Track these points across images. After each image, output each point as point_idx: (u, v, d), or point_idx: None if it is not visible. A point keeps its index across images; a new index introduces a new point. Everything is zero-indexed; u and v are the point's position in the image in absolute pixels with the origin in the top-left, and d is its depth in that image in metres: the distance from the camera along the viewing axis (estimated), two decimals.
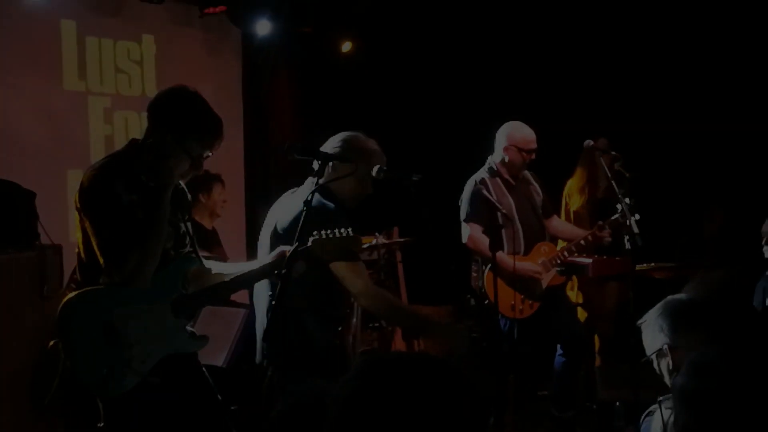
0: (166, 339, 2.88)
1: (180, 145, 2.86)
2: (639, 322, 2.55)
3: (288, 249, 2.90)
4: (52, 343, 2.90)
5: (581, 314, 5.70)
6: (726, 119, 6.37)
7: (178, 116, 2.88)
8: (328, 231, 2.93)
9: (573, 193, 5.83)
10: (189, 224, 3.07)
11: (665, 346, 2.42)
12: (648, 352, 2.49)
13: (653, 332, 2.47)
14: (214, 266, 3.14)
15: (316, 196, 3.10)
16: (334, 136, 3.47)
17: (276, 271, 2.90)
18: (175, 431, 2.98)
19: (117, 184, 2.82)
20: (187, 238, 3.03)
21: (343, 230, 2.96)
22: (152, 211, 2.82)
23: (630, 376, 4.12)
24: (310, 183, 3.38)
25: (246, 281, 3.08)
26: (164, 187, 2.84)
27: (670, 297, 2.56)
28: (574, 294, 5.73)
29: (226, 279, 3.06)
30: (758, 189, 6.13)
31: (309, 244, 2.93)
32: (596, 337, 5.81)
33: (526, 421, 4.89)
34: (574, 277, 5.63)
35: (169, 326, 2.89)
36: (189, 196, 3.16)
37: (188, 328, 2.99)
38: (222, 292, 3.06)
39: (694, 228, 6.22)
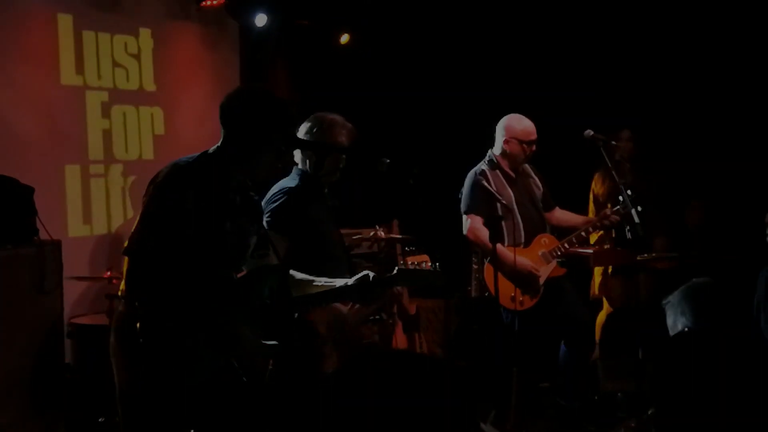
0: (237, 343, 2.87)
1: (271, 142, 2.91)
2: (663, 302, 2.56)
3: (371, 274, 3.03)
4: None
5: (605, 307, 5.74)
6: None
7: (263, 115, 2.91)
8: (416, 263, 3.03)
9: (597, 181, 5.94)
10: (257, 238, 3.06)
11: (686, 330, 2.42)
12: (671, 333, 2.50)
13: (675, 315, 2.48)
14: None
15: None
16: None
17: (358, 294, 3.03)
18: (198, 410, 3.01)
19: (190, 190, 2.78)
20: (250, 250, 3.02)
21: (431, 265, 3.12)
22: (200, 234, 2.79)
23: (632, 368, 4.12)
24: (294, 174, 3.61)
25: (326, 299, 3.12)
26: None
27: (694, 280, 2.57)
28: (596, 286, 5.77)
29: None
30: (734, 178, 6.10)
31: (395, 272, 3.06)
32: (597, 328, 5.81)
33: (527, 413, 4.87)
34: (597, 270, 5.64)
35: (243, 332, 2.86)
36: (262, 209, 3.20)
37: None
38: (301, 306, 3.12)
39: (677, 221, 6.21)
